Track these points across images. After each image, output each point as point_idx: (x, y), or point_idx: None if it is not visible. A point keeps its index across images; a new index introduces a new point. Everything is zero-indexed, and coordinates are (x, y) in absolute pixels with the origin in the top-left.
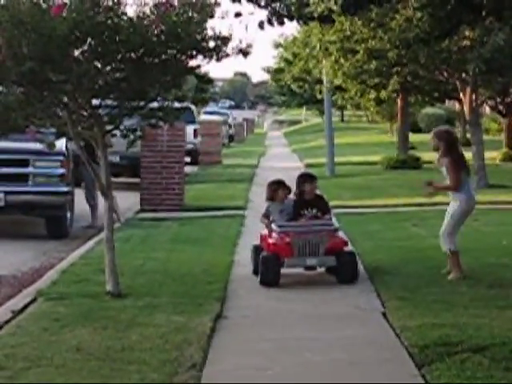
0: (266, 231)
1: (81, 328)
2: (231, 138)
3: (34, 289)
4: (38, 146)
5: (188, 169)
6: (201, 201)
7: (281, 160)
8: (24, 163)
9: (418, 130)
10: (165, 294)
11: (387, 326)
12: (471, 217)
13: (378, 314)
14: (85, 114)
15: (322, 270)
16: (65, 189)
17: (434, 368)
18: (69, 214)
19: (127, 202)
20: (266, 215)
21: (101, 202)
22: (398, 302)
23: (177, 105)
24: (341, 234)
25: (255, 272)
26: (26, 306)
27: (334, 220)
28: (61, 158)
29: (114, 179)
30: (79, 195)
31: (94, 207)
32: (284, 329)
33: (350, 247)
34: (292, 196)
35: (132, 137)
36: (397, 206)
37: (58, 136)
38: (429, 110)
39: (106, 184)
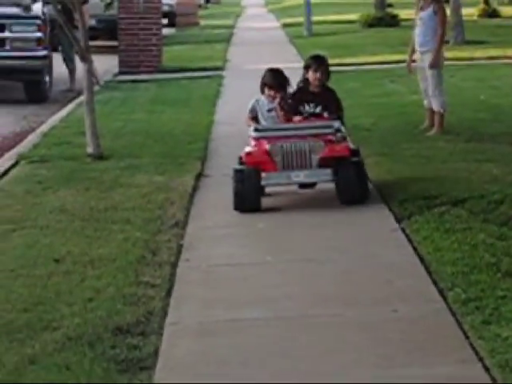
0: None
1: (64, 190)
2: None
3: (15, 152)
4: (14, 9)
5: (165, 31)
6: (179, 62)
7: (258, 20)
8: (0, 28)
9: None
10: (146, 155)
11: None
12: (447, 73)
13: None
14: None
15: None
16: (42, 53)
17: (413, 221)
18: (47, 78)
19: (105, 65)
20: (253, 115)
21: (79, 65)
22: (377, 158)
23: None
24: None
25: None
26: (8, 170)
27: (339, 124)
28: (38, 21)
29: (91, 43)
30: (57, 59)
31: (72, 70)
32: None
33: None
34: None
35: None
36: (375, 63)
37: (35, 0)
38: None
39: (85, 47)
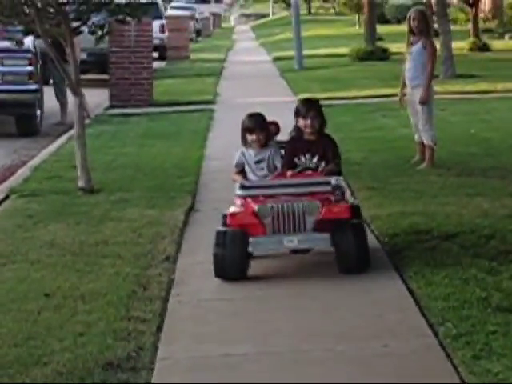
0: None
1: (54, 224)
2: (198, 32)
3: (5, 186)
4: (5, 44)
5: (156, 64)
6: (170, 96)
7: (249, 54)
8: None
9: (385, 21)
10: (137, 189)
11: None
12: (438, 106)
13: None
14: (52, 10)
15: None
16: (34, 86)
17: (403, 256)
18: (38, 112)
19: (96, 98)
20: (239, 169)
21: (70, 99)
22: (367, 192)
23: (143, 0)
24: (347, 196)
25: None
26: None
27: (337, 179)
28: (29, 55)
29: (82, 76)
30: (48, 93)
31: (63, 104)
32: None
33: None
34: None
35: (100, 33)
36: (366, 97)
37: (26, 34)
38: (396, 0)
39: (75, 81)
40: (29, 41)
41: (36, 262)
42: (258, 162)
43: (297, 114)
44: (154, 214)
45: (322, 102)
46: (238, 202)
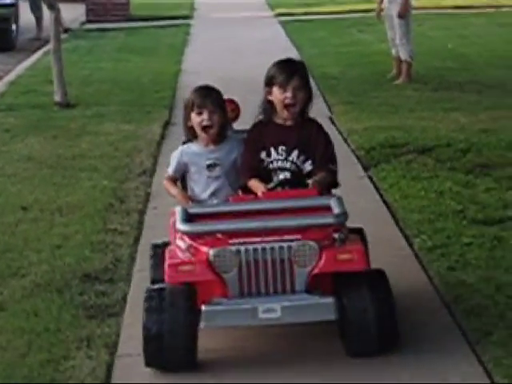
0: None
1: (31, 138)
2: None
3: None
4: None
5: None
6: (147, 10)
7: None
8: None
9: None
10: (113, 103)
11: (334, 130)
12: (415, 21)
13: (325, 119)
14: None
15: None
16: (9, 0)
17: (380, 169)
18: (14, 26)
19: (72, 13)
20: (173, 176)
21: (46, 13)
22: (344, 107)
23: None
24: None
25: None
26: None
27: (338, 201)
28: None
29: None
30: (24, 7)
31: (39, 19)
32: None
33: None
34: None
35: None
36: (342, 12)
37: None
38: None
39: None
40: None
41: (13, 176)
42: (211, 167)
43: (270, 81)
44: (131, 128)
45: (299, 18)
46: (181, 243)
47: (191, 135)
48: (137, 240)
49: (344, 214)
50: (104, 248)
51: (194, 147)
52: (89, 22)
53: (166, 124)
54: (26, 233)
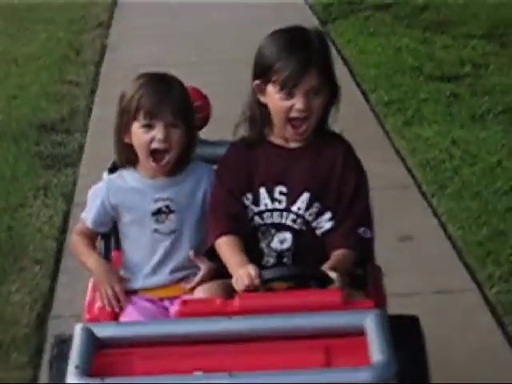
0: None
1: None
2: None
3: None
4: None
5: None
6: None
7: None
8: None
9: None
10: None
11: None
12: None
13: None
14: None
15: None
16: None
17: (337, 25)
18: None
19: None
20: (90, 230)
21: None
22: None
23: None
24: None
25: None
26: None
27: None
28: None
29: None
30: None
31: None
32: None
33: None
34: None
35: None
36: None
37: None
38: None
39: None
40: None
41: None
42: (159, 214)
43: (263, 72)
44: None
45: None
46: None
47: (126, 158)
48: (93, 91)
49: (390, 365)
50: (60, 99)
51: (129, 178)
52: None
53: None
54: None
